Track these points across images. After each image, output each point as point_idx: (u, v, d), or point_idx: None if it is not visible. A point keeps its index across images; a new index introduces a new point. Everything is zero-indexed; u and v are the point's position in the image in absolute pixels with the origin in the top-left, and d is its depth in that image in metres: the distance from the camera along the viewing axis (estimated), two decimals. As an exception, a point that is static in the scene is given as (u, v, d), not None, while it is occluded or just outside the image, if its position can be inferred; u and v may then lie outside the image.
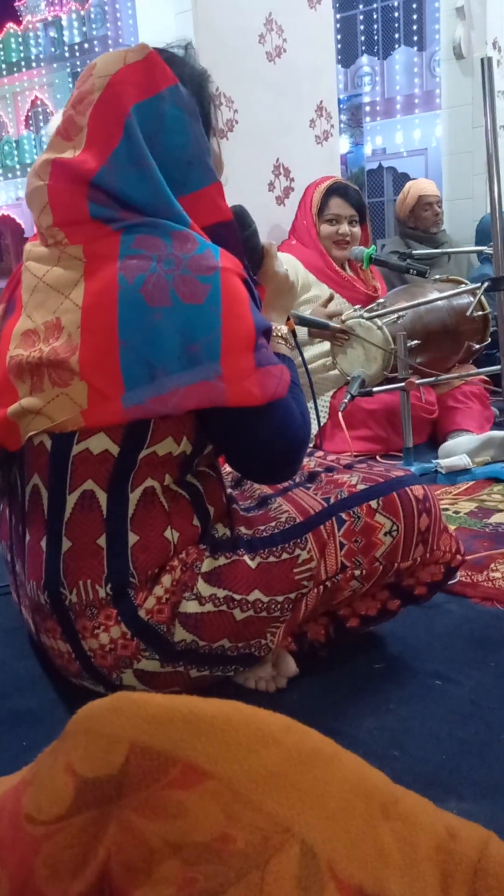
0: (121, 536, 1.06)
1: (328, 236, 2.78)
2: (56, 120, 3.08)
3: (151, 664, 1.08)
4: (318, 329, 2.41)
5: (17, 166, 16.24)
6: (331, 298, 2.59)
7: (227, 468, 1.37)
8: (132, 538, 1.06)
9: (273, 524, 1.14)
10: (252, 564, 1.09)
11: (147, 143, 1.04)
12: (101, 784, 0.67)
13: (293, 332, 1.30)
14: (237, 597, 1.07)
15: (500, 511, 2.02)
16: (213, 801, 0.65)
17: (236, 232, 1.12)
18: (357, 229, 2.80)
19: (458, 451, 2.43)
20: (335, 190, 2.79)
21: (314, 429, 2.54)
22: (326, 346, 2.62)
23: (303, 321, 2.27)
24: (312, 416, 1.26)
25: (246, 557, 1.09)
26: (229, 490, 1.29)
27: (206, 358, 1.00)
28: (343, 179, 2.89)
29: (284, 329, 1.24)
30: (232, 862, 0.63)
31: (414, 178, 4.21)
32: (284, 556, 1.10)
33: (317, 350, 2.68)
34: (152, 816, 0.65)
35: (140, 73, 1.05)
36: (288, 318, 1.29)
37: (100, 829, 0.66)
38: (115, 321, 1.00)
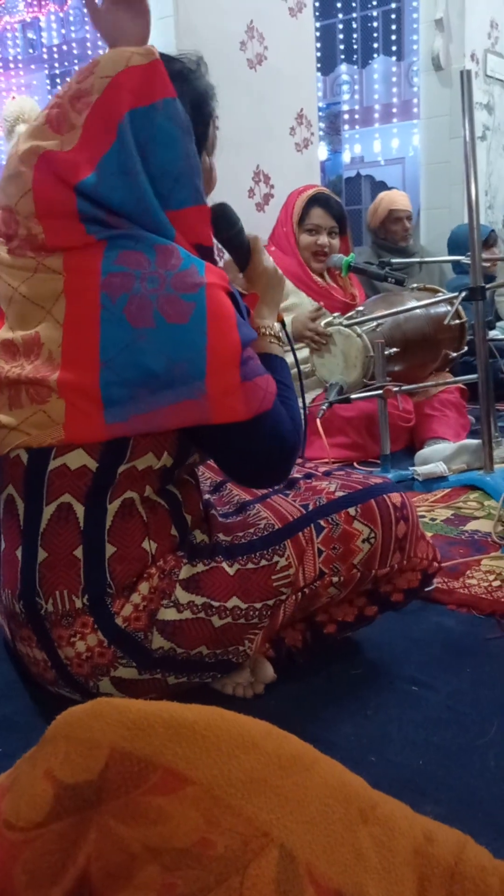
0: (98, 548, 1.05)
1: (307, 246, 2.78)
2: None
3: (129, 672, 1.07)
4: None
5: (-5, 168, 16.13)
6: (318, 310, 2.61)
7: (206, 474, 1.38)
8: (109, 549, 1.06)
9: (252, 531, 1.14)
10: (230, 571, 1.09)
11: (137, 152, 1.02)
12: (81, 790, 0.66)
13: (282, 323, 1.28)
14: (215, 604, 1.08)
15: (476, 518, 2.04)
16: (193, 806, 0.65)
17: (213, 259, 1.10)
18: (336, 241, 2.80)
19: (433, 458, 2.45)
20: (316, 200, 2.78)
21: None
22: (305, 352, 2.64)
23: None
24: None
25: (224, 564, 1.10)
26: (207, 496, 1.29)
27: (191, 377, 0.99)
28: (326, 189, 2.89)
29: (277, 326, 1.23)
30: (212, 867, 0.63)
31: (391, 187, 4.24)
32: (263, 562, 1.11)
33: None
34: (132, 822, 0.65)
35: (139, 78, 1.02)
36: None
37: (79, 835, 0.65)
38: (96, 342, 0.99)
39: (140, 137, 1.02)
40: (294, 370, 1.26)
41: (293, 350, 1.34)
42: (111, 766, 0.67)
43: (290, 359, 1.24)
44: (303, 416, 1.17)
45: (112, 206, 1.02)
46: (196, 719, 0.69)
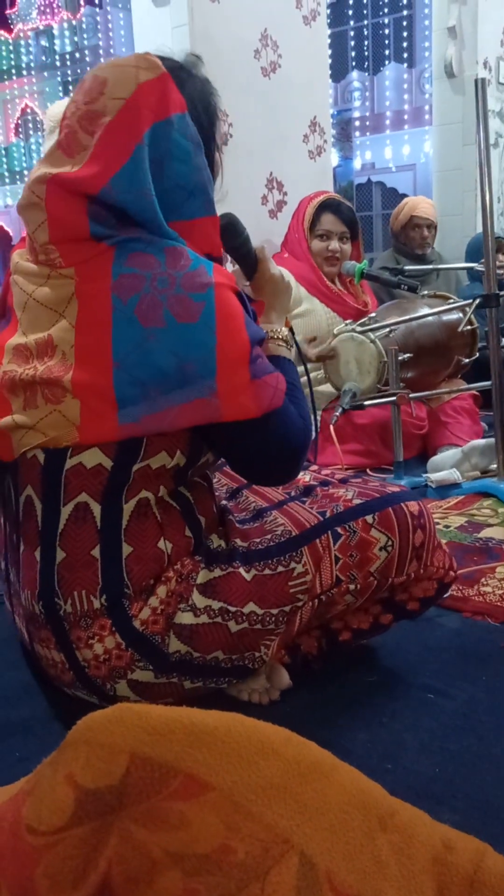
0: (115, 547, 1.06)
1: (318, 252, 2.79)
2: (56, 110, 3.08)
3: (145, 675, 1.08)
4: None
5: (6, 174, 16.24)
6: (313, 339, 2.61)
7: (222, 480, 1.39)
8: (126, 549, 1.06)
9: (269, 537, 1.15)
10: (247, 577, 1.10)
11: (153, 167, 1.03)
12: (102, 795, 0.67)
13: (291, 329, 1.30)
14: (232, 609, 1.08)
15: (490, 526, 2.04)
16: (214, 812, 0.66)
17: (224, 267, 1.12)
18: (348, 246, 2.80)
19: (445, 464, 2.45)
20: (328, 206, 2.78)
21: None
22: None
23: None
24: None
25: (241, 570, 1.10)
26: (224, 502, 1.30)
27: (201, 375, 1.01)
28: (337, 195, 2.90)
29: (285, 331, 1.25)
30: (232, 873, 0.63)
31: (403, 194, 4.25)
32: (280, 569, 1.11)
33: (309, 363, 2.69)
34: (153, 827, 0.65)
35: (155, 94, 1.04)
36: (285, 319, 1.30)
37: (100, 840, 0.66)
38: (108, 342, 1.00)
39: (157, 154, 1.04)
40: (304, 377, 1.27)
41: (301, 354, 1.35)
42: (132, 771, 0.67)
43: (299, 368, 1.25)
44: (313, 419, 1.18)
45: (128, 212, 1.03)
46: (217, 725, 0.70)
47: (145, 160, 1.03)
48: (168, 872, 0.64)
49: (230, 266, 1.30)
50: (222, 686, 1.16)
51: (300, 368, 1.25)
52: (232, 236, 1.24)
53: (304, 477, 1.32)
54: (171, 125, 1.05)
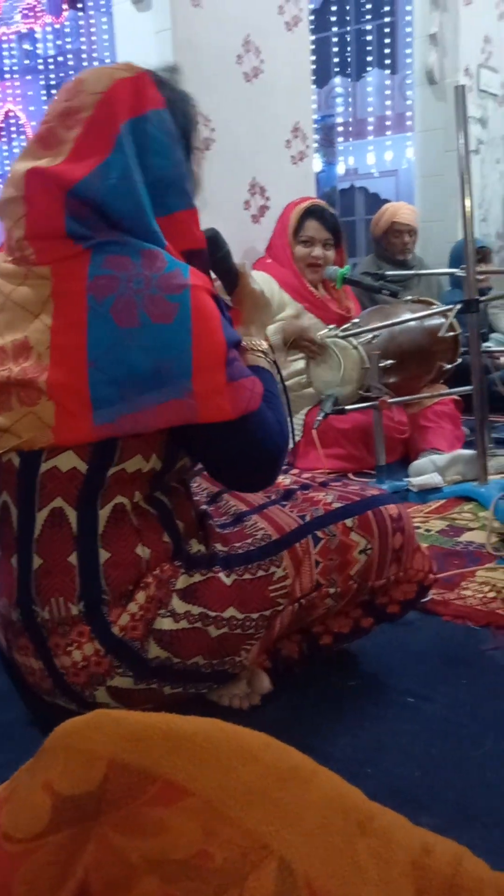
0: (92, 553, 1.06)
1: (302, 258, 2.80)
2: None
3: (125, 681, 1.07)
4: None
5: (-11, 177, 16.16)
6: (297, 316, 2.61)
7: (202, 484, 1.38)
8: (103, 555, 1.06)
9: (249, 541, 1.15)
10: (227, 581, 1.09)
11: (135, 160, 1.05)
12: (80, 801, 0.66)
13: (270, 347, 1.31)
14: (212, 614, 1.08)
15: (471, 530, 2.05)
16: (192, 818, 0.66)
17: (207, 259, 1.13)
18: (331, 252, 2.82)
19: (427, 469, 2.46)
20: (312, 212, 2.80)
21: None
22: (301, 363, 2.65)
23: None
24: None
25: (221, 574, 1.10)
26: (204, 506, 1.29)
27: (177, 376, 1.01)
28: (321, 202, 2.91)
29: (265, 345, 1.25)
30: (210, 879, 0.63)
31: (385, 199, 4.27)
32: (260, 573, 1.11)
33: (291, 368, 2.70)
34: (131, 834, 0.65)
35: (131, 90, 1.06)
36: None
37: (78, 847, 0.65)
38: (84, 343, 1.00)
39: (136, 144, 1.05)
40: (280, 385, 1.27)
41: (279, 371, 1.37)
42: (110, 777, 0.67)
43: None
44: (290, 426, 1.19)
45: (107, 209, 1.03)
46: (195, 731, 0.69)
47: (131, 151, 1.04)
48: (146, 878, 0.63)
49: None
50: (202, 691, 1.15)
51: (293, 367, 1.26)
52: (214, 250, 1.25)
53: (284, 480, 1.32)
54: (148, 120, 1.06)
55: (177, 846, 0.64)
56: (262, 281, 1.88)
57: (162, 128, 1.07)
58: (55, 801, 0.67)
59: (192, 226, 1.11)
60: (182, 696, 1.12)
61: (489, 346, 3.46)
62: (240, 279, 1.29)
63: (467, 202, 2.21)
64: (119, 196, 1.03)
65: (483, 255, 3.79)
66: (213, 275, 1.30)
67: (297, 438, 2.68)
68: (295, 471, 1.41)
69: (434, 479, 2.38)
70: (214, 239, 1.25)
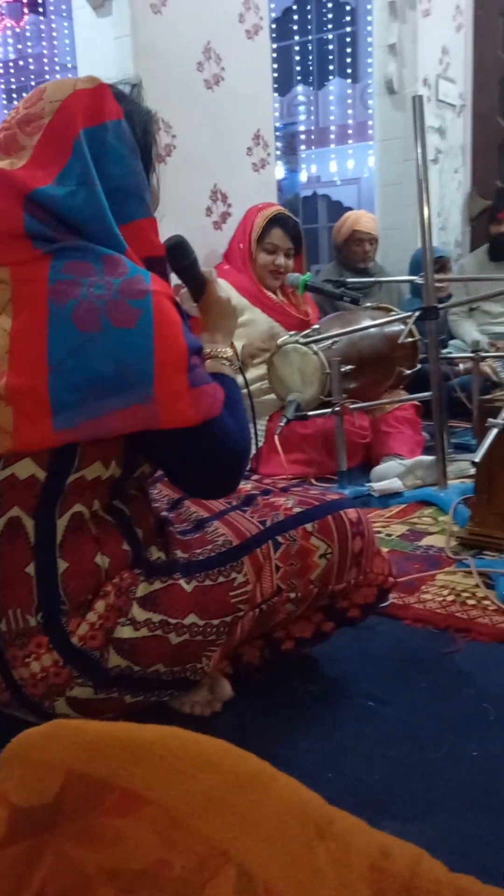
0: (50, 564, 1.04)
1: (264, 265, 2.83)
2: None
3: (84, 691, 1.06)
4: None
5: None
6: (270, 334, 2.64)
7: (163, 491, 1.38)
8: (62, 565, 1.05)
9: (209, 547, 1.15)
10: (188, 588, 1.09)
11: (93, 167, 1.05)
12: (36, 813, 0.66)
13: (235, 353, 1.31)
14: (173, 621, 1.07)
15: (431, 534, 2.07)
16: (150, 827, 0.65)
17: (166, 267, 1.13)
18: (292, 261, 2.87)
19: (388, 474, 2.49)
20: (277, 220, 2.84)
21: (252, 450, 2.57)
22: (263, 369, 2.65)
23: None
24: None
25: (182, 581, 1.09)
26: (164, 513, 1.29)
27: (139, 381, 1.00)
28: (285, 210, 2.94)
29: (230, 352, 1.25)
30: (168, 888, 0.63)
31: (348, 207, 4.30)
32: (220, 579, 1.11)
33: (253, 374, 2.71)
34: (88, 844, 0.64)
35: (88, 100, 1.07)
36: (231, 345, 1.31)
37: (34, 859, 0.65)
38: (44, 347, 0.99)
39: (93, 154, 1.06)
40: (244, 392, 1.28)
41: (244, 378, 1.37)
42: (67, 788, 0.66)
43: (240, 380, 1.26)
44: (253, 433, 1.19)
45: (68, 215, 1.03)
46: (154, 739, 0.69)
47: (88, 157, 1.04)
48: (103, 889, 0.63)
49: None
50: (164, 699, 1.15)
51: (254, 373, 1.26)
52: (181, 257, 1.25)
53: (245, 486, 1.32)
54: (106, 130, 1.07)
55: (134, 856, 0.63)
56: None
57: (120, 138, 1.08)
58: (11, 812, 0.66)
59: (151, 234, 1.11)
60: (143, 704, 1.11)
61: (448, 353, 3.51)
62: (207, 286, 1.28)
63: (426, 211, 2.24)
64: (78, 202, 1.03)
65: (442, 264, 3.85)
66: (176, 282, 1.30)
67: (260, 444, 2.69)
68: (256, 477, 1.41)
69: (395, 483, 2.40)
70: (181, 246, 1.25)
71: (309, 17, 13.39)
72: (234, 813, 0.67)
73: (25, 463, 1.02)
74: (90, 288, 0.99)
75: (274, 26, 3.73)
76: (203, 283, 1.28)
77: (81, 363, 0.99)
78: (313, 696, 1.27)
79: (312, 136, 14.58)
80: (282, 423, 2.43)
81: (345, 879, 0.68)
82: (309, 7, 12.88)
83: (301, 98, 14.44)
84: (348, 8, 12.67)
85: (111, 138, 1.07)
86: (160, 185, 1.22)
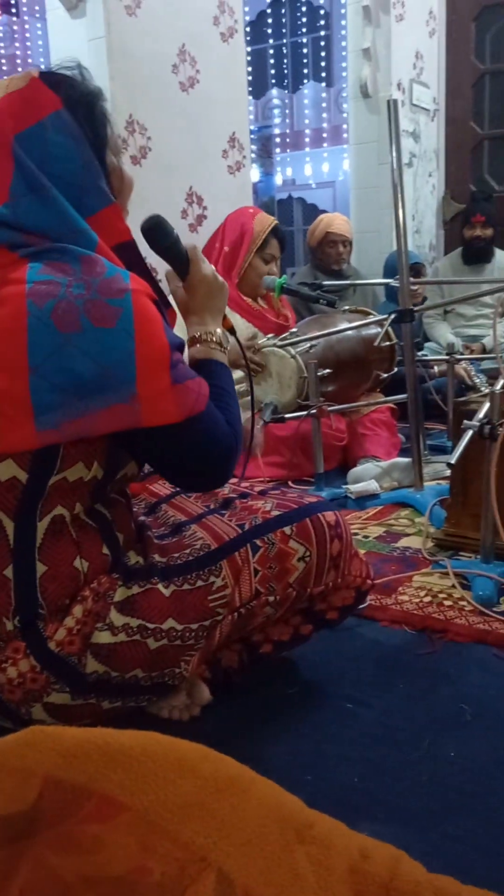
0: (28, 567, 1.04)
1: (260, 273, 2.86)
2: None
3: (62, 697, 1.06)
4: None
5: None
6: (253, 337, 2.64)
7: (140, 496, 1.37)
8: (40, 568, 1.04)
9: (188, 551, 1.14)
10: (166, 592, 1.09)
11: (38, 169, 1.03)
12: (14, 821, 0.65)
13: (231, 329, 1.28)
14: (151, 626, 1.07)
15: (408, 535, 2.08)
16: (129, 833, 0.65)
17: (138, 251, 1.12)
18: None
19: (365, 476, 2.50)
20: (275, 231, 2.90)
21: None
22: (240, 373, 2.65)
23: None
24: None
25: (160, 586, 1.09)
26: (142, 518, 1.28)
27: (121, 380, 1.00)
28: (275, 220, 2.99)
29: (219, 332, 1.23)
30: (148, 894, 0.62)
31: (322, 210, 4.32)
32: (199, 583, 1.11)
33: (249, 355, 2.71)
34: (67, 852, 0.64)
35: (18, 102, 1.04)
36: (224, 317, 1.28)
37: (12, 868, 0.64)
38: (24, 348, 0.98)
39: (34, 156, 1.04)
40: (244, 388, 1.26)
41: (241, 346, 1.35)
42: (45, 795, 0.65)
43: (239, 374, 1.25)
44: (252, 422, 1.17)
45: (30, 226, 1.03)
46: (132, 745, 0.69)
47: (30, 162, 1.03)
48: (82, 897, 0.62)
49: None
50: (142, 704, 1.14)
51: (237, 374, 1.24)
52: (161, 237, 1.21)
53: (224, 490, 1.32)
54: (44, 128, 1.04)
55: (113, 862, 0.63)
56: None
57: (61, 130, 1.05)
58: (-12, 821, 0.65)
59: (116, 221, 1.09)
60: (121, 710, 1.11)
61: (424, 355, 3.54)
62: (191, 265, 1.24)
63: (400, 214, 2.25)
64: (35, 210, 1.02)
65: (417, 270, 3.88)
66: (153, 265, 1.27)
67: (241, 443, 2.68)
68: (234, 479, 1.40)
69: (371, 485, 2.41)
70: (160, 226, 1.21)
71: (283, 20, 13.41)
72: (213, 818, 0.67)
73: (7, 464, 1.02)
74: (69, 288, 0.99)
75: (248, 29, 3.75)
76: (187, 261, 1.24)
77: (62, 364, 0.98)
78: (292, 699, 1.27)
79: (287, 140, 14.61)
80: (259, 426, 2.43)
81: (325, 882, 0.68)
82: (283, 11, 12.89)
83: (276, 101, 14.46)
84: (323, 12, 12.71)
85: (52, 134, 1.04)
86: (120, 163, 1.18)
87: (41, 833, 0.65)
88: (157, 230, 1.21)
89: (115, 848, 0.64)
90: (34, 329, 0.98)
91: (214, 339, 1.21)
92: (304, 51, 13.98)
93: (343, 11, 5.76)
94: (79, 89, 1.10)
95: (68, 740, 0.68)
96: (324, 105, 14.01)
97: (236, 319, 2.79)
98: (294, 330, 2.66)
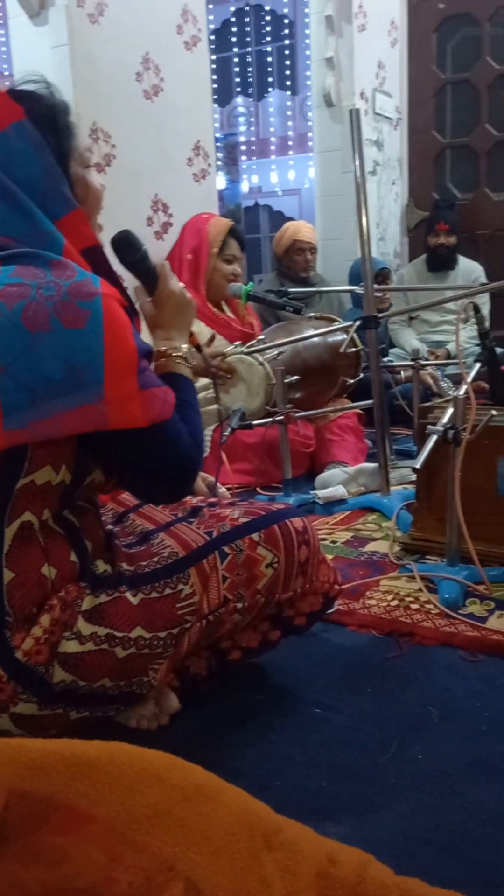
0: None
1: (224, 274, 2.89)
2: None
3: (29, 707, 1.05)
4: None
5: None
6: (212, 339, 2.64)
7: (108, 504, 1.37)
8: (7, 575, 1.03)
9: (156, 559, 1.14)
10: (134, 601, 1.08)
11: (4, 174, 1.05)
12: (-21, 835, 0.64)
13: (198, 347, 1.29)
14: (119, 634, 1.07)
15: (375, 540, 2.09)
16: (96, 844, 0.65)
17: (104, 256, 1.13)
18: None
19: (332, 482, 2.51)
20: (233, 231, 2.95)
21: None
22: (206, 379, 2.65)
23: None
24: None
25: (128, 594, 1.09)
26: (110, 526, 1.28)
27: (89, 382, 1.00)
28: (232, 221, 3.03)
29: (185, 348, 1.23)
30: (116, 905, 0.62)
31: (289, 217, 4.35)
32: (167, 591, 1.10)
33: (198, 384, 2.71)
34: (33, 864, 0.63)
35: None
36: (191, 334, 1.28)
37: (-23, 883, 0.63)
38: None
39: (0, 162, 1.05)
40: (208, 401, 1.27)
41: (210, 369, 1.35)
42: (10, 807, 0.65)
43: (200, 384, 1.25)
44: (222, 433, 1.18)
45: (2, 234, 1.03)
46: (98, 755, 0.68)
47: None
48: (49, 910, 0.62)
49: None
50: (110, 714, 1.14)
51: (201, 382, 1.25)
52: (129, 251, 1.22)
53: (192, 498, 1.32)
54: (7, 136, 1.06)
55: (80, 874, 0.63)
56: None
57: (24, 139, 1.07)
58: (-48, 836, 0.64)
59: (80, 226, 1.11)
60: (89, 719, 1.10)
61: (389, 361, 3.57)
62: (160, 280, 1.25)
63: (364, 221, 2.27)
64: (6, 214, 1.04)
65: (383, 276, 3.92)
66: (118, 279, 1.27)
67: (205, 454, 2.68)
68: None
69: (339, 491, 2.43)
70: (128, 240, 1.22)
71: (247, 28, 13.48)
72: (180, 826, 0.67)
73: None
74: (39, 290, 1.00)
75: (213, 38, 3.76)
76: (156, 276, 1.25)
77: (32, 364, 0.99)
78: (261, 706, 1.27)
79: (253, 147, 14.66)
80: (226, 433, 2.43)
81: (293, 888, 0.68)
82: (248, 19, 12.96)
83: (241, 109, 14.52)
84: (287, 21, 12.80)
85: (14, 142, 1.06)
86: (84, 172, 1.18)
87: (7, 846, 0.64)
88: (125, 244, 1.22)
89: (81, 859, 0.63)
90: (4, 329, 0.99)
91: (180, 353, 1.22)
92: (269, 59, 14.05)
93: (307, 21, 5.80)
94: (44, 103, 1.12)
95: (33, 752, 0.68)
96: (289, 113, 14.10)
97: (200, 327, 2.79)
98: (262, 337, 2.67)
